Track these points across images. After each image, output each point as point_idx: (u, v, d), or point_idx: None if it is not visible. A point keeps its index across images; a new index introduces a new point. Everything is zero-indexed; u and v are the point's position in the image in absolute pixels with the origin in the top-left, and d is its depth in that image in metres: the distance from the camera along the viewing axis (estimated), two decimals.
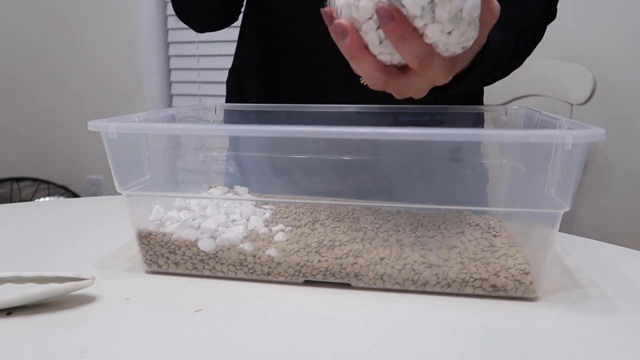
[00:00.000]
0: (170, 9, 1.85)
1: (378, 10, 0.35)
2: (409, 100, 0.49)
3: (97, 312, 0.37)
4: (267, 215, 0.50)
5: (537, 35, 0.60)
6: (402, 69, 0.39)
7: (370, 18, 0.36)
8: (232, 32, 0.72)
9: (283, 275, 0.42)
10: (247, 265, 0.42)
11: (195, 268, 0.43)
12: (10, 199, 2.01)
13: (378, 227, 0.46)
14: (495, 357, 0.32)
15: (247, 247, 0.42)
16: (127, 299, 0.39)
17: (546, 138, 0.36)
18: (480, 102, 0.76)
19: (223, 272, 0.43)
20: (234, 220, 0.47)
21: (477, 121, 0.57)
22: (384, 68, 0.39)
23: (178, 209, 0.49)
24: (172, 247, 0.43)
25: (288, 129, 0.37)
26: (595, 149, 1.36)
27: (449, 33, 0.36)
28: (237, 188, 0.56)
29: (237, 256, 0.42)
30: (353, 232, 0.45)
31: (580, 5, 1.32)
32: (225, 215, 0.48)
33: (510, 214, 0.49)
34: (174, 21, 1.86)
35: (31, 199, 2.02)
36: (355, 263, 0.41)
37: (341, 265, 0.41)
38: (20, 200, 2.01)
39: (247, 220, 0.47)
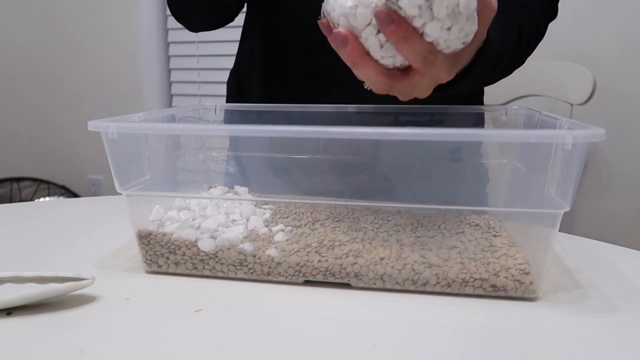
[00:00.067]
0: None
1: (377, 15, 0.35)
2: (409, 100, 0.49)
3: (97, 312, 0.37)
4: (267, 215, 0.50)
5: (538, 34, 0.60)
6: (405, 70, 0.40)
7: (369, 24, 0.36)
8: (232, 32, 0.72)
9: (283, 275, 0.42)
10: (247, 265, 0.42)
11: (195, 268, 0.43)
12: (10, 199, 2.01)
13: (378, 227, 0.46)
14: (495, 357, 0.32)
15: (247, 247, 0.42)
16: (127, 299, 0.39)
17: (546, 138, 0.36)
18: (481, 102, 0.76)
19: (223, 272, 0.43)
20: (234, 220, 0.47)
21: (477, 121, 0.57)
22: (387, 72, 0.39)
23: (178, 209, 0.49)
24: (172, 247, 0.43)
25: (288, 129, 0.37)
26: (595, 149, 1.36)
27: (449, 29, 0.36)
28: (237, 188, 0.56)
29: (237, 256, 0.42)
30: (353, 232, 0.45)
31: (580, 5, 1.32)
32: (225, 215, 0.48)
33: (510, 214, 0.49)
34: (174, 21, 1.85)
35: (31, 199, 2.02)
36: (355, 263, 0.41)
37: (341, 265, 0.41)
38: (20, 200, 2.01)
39: (247, 220, 0.47)
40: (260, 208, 0.52)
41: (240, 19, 0.74)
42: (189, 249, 0.43)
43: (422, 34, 0.36)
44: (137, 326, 0.35)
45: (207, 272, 0.43)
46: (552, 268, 0.45)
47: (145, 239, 0.44)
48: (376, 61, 0.38)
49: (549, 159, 0.38)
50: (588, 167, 1.38)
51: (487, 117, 0.57)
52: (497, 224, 0.48)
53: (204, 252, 0.43)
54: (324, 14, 0.39)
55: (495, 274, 0.39)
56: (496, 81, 0.59)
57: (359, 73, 0.40)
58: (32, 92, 2.11)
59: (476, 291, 0.39)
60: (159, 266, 0.44)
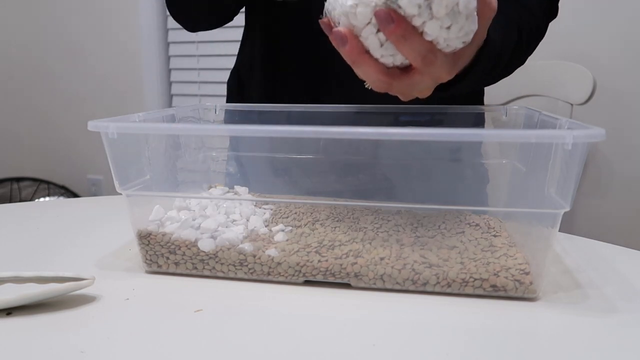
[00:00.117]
0: None
1: (377, 14, 0.35)
2: (410, 100, 0.49)
3: (97, 312, 0.37)
4: (267, 215, 0.50)
5: (538, 33, 0.60)
6: (405, 69, 0.40)
7: (368, 23, 0.36)
8: (232, 32, 0.72)
9: (283, 275, 0.42)
10: (247, 265, 0.42)
11: (195, 268, 0.43)
12: (10, 199, 2.01)
13: (378, 227, 0.46)
14: (495, 357, 0.32)
15: (247, 247, 0.42)
16: (127, 299, 0.39)
17: (546, 138, 0.36)
18: (481, 102, 0.76)
19: (223, 272, 0.43)
20: (234, 220, 0.47)
21: (477, 121, 0.57)
22: (387, 70, 0.39)
23: (178, 209, 0.49)
24: (172, 247, 0.43)
25: (288, 129, 0.37)
26: (595, 149, 1.36)
27: (448, 28, 0.36)
28: (237, 188, 0.56)
29: (237, 256, 0.42)
30: (353, 232, 0.45)
31: (580, 5, 1.32)
32: (225, 215, 0.48)
33: (510, 214, 0.49)
34: (174, 21, 1.85)
35: (31, 199, 2.02)
36: (355, 263, 0.41)
37: (341, 265, 0.41)
38: (20, 200, 2.01)
39: (247, 220, 0.47)
40: (260, 208, 0.52)
41: (240, 19, 0.74)
42: (189, 249, 0.43)
43: (421, 33, 0.36)
44: (137, 326, 0.35)
45: (207, 272, 0.43)
46: (552, 268, 0.45)
47: (145, 239, 0.44)
48: (376, 60, 0.38)
49: (549, 159, 0.38)
50: (588, 167, 1.38)
51: (487, 117, 0.57)
52: (497, 224, 0.48)
53: (204, 252, 0.43)
54: (325, 13, 0.39)
55: (495, 274, 0.39)
56: (497, 81, 0.59)
57: (359, 71, 0.40)
58: (32, 92, 2.11)
59: (476, 291, 0.39)
60: (159, 266, 0.44)
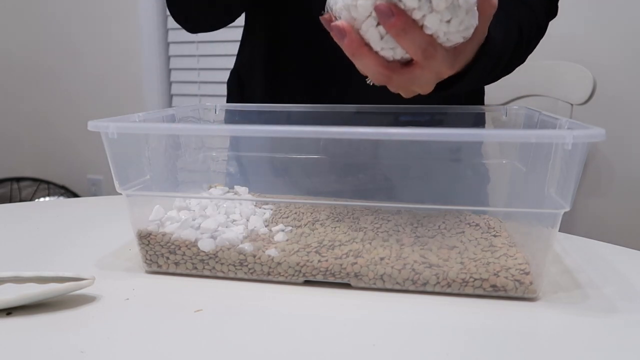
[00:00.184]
0: None
1: (377, 8, 0.35)
2: (409, 100, 0.49)
3: (97, 312, 0.37)
4: (267, 215, 0.50)
5: (539, 32, 0.60)
6: (406, 64, 0.40)
7: (369, 16, 0.36)
8: (232, 32, 0.72)
9: (283, 275, 0.42)
10: (247, 265, 0.42)
11: (195, 268, 0.43)
12: (10, 199, 2.01)
13: (378, 227, 0.46)
14: (495, 357, 0.32)
15: (247, 247, 0.42)
16: (127, 299, 0.39)
17: (546, 138, 0.36)
18: (481, 102, 0.76)
19: (223, 272, 0.43)
20: (234, 220, 0.47)
21: (477, 121, 0.57)
22: (386, 63, 0.39)
23: (178, 209, 0.49)
24: (172, 247, 0.43)
25: (288, 129, 0.37)
26: (595, 149, 1.36)
27: (448, 22, 0.36)
28: (237, 188, 0.56)
29: (237, 256, 0.42)
30: (353, 232, 0.45)
31: (580, 6, 1.32)
32: (225, 215, 0.48)
33: (510, 214, 0.49)
34: (174, 21, 1.85)
35: (31, 199, 2.02)
36: (355, 263, 0.41)
37: (341, 265, 0.41)
38: (20, 200, 2.01)
39: (247, 220, 0.47)
40: (260, 208, 0.52)
41: (240, 20, 0.74)
42: (189, 249, 0.43)
43: (422, 27, 0.36)
44: (137, 326, 0.35)
45: (207, 272, 0.43)
46: (552, 268, 0.45)
47: (145, 239, 0.44)
48: (376, 52, 0.38)
49: (549, 159, 0.38)
50: (588, 167, 1.38)
51: (487, 117, 0.57)
52: (497, 224, 0.48)
53: (204, 252, 0.43)
54: (327, 9, 0.40)
55: (495, 274, 0.39)
56: (497, 79, 0.59)
57: (359, 64, 0.40)
58: (32, 92, 2.11)
59: (476, 291, 0.39)
60: (159, 266, 0.44)
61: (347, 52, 0.39)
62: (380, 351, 0.32)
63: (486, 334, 0.34)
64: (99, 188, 2.07)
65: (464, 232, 0.45)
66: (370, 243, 0.43)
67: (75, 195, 2.07)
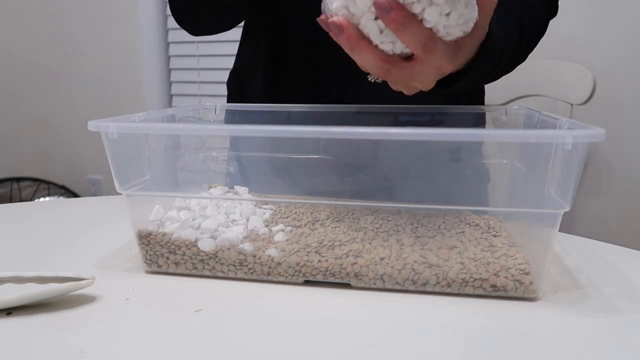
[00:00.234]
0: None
1: (376, 3, 0.35)
2: (409, 100, 0.49)
3: (97, 312, 0.37)
4: (267, 215, 0.50)
5: (539, 30, 0.60)
6: (407, 58, 0.39)
7: (367, 10, 0.36)
8: (232, 32, 0.72)
9: (283, 275, 0.42)
10: (247, 265, 0.42)
11: (195, 268, 0.43)
12: (10, 199, 2.01)
13: (378, 227, 0.46)
14: (495, 357, 0.32)
15: (247, 247, 0.42)
16: (127, 299, 0.39)
17: (546, 138, 0.36)
18: (482, 102, 0.76)
19: (223, 272, 0.43)
20: (234, 220, 0.47)
21: (477, 121, 0.57)
22: (386, 57, 0.39)
23: (178, 209, 0.49)
24: (172, 247, 0.43)
25: (288, 129, 0.37)
26: (595, 149, 1.36)
27: (448, 15, 0.36)
28: (237, 188, 0.56)
29: (237, 256, 0.42)
30: (353, 232, 0.45)
31: (580, 6, 1.32)
32: (225, 215, 0.48)
33: (510, 214, 0.49)
34: (174, 21, 1.85)
35: (31, 199, 2.02)
36: (355, 263, 0.41)
37: (341, 265, 0.41)
38: (20, 200, 2.01)
39: (247, 220, 0.47)
40: (260, 208, 0.52)
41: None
42: (189, 249, 0.43)
43: (421, 21, 0.36)
44: (137, 326, 0.35)
45: (207, 272, 0.43)
46: (552, 268, 0.45)
47: (145, 239, 0.44)
48: (375, 46, 0.38)
49: (549, 159, 0.38)
50: (588, 167, 1.38)
51: (487, 117, 0.57)
52: (497, 224, 0.48)
53: (204, 252, 0.43)
54: (323, 10, 0.39)
55: (495, 274, 0.39)
56: (498, 78, 0.59)
57: (358, 59, 0.40)
58: (33, 92, 2.11)
59: (476, 291, 0.39)
60: (159, 266, 0.44)
61: (346, 48, 0.39)
62: (380, 351, 0.32)
63: (486, 334, 0.34)
64: (99, 188, 2.07)
65: (464, 232, 0.45)
66: (370, 243, 0.43)
67: (75, 195, 2.07)
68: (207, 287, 0.42)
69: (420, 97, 0.46)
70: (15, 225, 0.58)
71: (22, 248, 0.50)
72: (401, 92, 0.45)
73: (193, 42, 1.83)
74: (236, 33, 0.78)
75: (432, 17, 0.36)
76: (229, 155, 0.60)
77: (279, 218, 0.49)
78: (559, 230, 0.41)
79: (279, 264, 0.42)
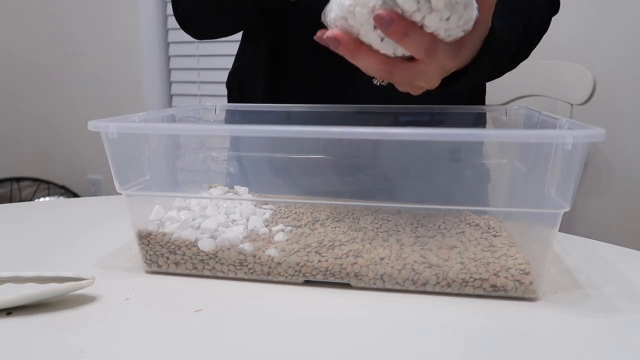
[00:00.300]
0: (170, 9, 1.85)
1: (377, 18, 0.35)
2: (409, 100, 0.49)
3: (97, 312, 0.37)
4: (267, 215, 0.50)
5: (542, 25, 0.60)
6: (409, 59, 0.39)
7: (366, 22, 0.36)
8: None
9: (283, 275, 0.42)
10: (247, 265, 0.42)
11: (195, 268, 0.43)
12: (10, 199, 2.01)
13: (378, 227, 0.46)
14: (495, 357, 0.32)
15: (247, 247, 0.42)
16: (127, 299, 0.39)
17: (546, 138, 0.36)
18: (482, 102, 0.76)
19: (223, 272, 0.43)
20: (234, 220, 0.47)
21: (477, 121, 0.57)
22: (387, 59, 0.39)
23: (178, 209, 0.49)
24: (172, 247, 0.43)
25: (288, 129, 0.37)
26: (595, 149, 1.36)
27: (447, 19, 0.36)
28: (237, 188, 0.56)
29: (237, 256, 0.42)
30: (353, 232, 0.45)
31: (580, 6, 1.32)
32: (225, 215, 0.48)
33: (510, 214, 0.49)
34: (174, 21, 1.85)
35: (31, 199, 2.02)
36: (355, 263, 0.41)
37: (341, 265, 0.41)
38: (20, 200, 2.01)
39: (247, 220, 0.47)
40: (260, 208, 0.52)
41: None
42: (189, 249, 0.43)
43: (421, 26, 0.36)
44: (137, 326, 0.35)
45: (207, 272, 0.43)
46: (552, 268, 0.45)
47: (145, 239, 0.44)
48: (376, 51, 0.38)
49: (549, 159, 0.38)
50: (588, 167, 1.38)
51: (487, 117, 0.57)
52: (497, 224, 0.48)
53: (204, 252, 0.43)
54: (324, 20, 0.40)
55: (495, 274, 0.39)
56: (503, 74, 0.59)
57: (361, 65, 0.40)
58: (33, 92, 2.11)
59: (476, 291, 0.39)
60: (159, 266, 0.44)
61: (347, 56, 0.39)
62: (380, 351, 0.32)
63: (486, 334, 0.34)
64: (99, 188, 2.07)
65: (464, 232, 0.45)
66: (370, 243, 0.43)
67: (75, 195, 2.07)
68: (207, 287, 0.42)
69: (422, 97, 0.46)
70: (15, 225, 0.58)
71: (22, 248, 0.50)
72: (401, 92, 0.45)
73: (193, 42, 1.83)
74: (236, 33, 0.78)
75: (432, 23, 0.36)
76: (229, 155, 0.60)
77: (279, 218, 0.49)
78: (559, 230, 0.41)
79: (279, 264, 0.42)
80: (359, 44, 0.38)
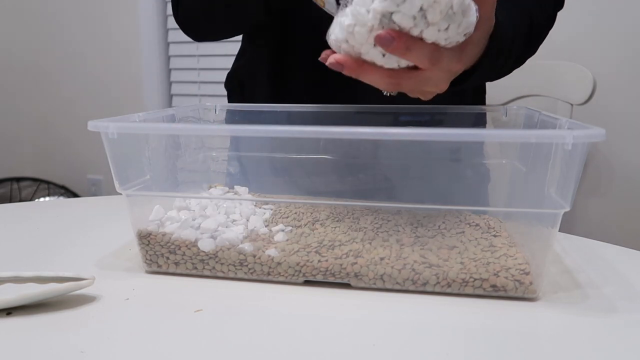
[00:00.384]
0: (170, 9, 1.85)
1: (377, 39, 0.36)
2: (409, 100, 0.49)
3: (97, 312, 0.37)
4: (267, 215, 0.50)
5: (548, 21, 0.60)
6: (414, 67, 0.40)
7: (366, 42, 0.37)
8: None
9: (283, 275, 0.42)
10: (247, 265, 0.42)
11: (195, 268, 0.43)
12: (10, 199, 2.01)
13: (378, 227, 0.46)
14: (495, 357, 0.32)
15: (247, 247, 0.42)
16: (127, 299, 0.39)
17: (546, 138, 0.36)
18: (483, 102, 0.75)
19: (223, 272, 0.43)
20: (234, 220, 0.47)
21: (477, 121, 0.57)
22: (392, 72, 0.39)
23: (178, 209, 0.49)
24: (172, 247, 0.43)
25: (288, 129, 0.37)
26: (595, 149, 1.36)
27: (446, 29, 0.36)
28: (237, 188, 0.56)
29: (237, 256, 0.42)
30: (353, 232, 0.45)
31: (580, 6, 1.32)
32: (225, 215, 0.48)
33: (510, 214, 0.49)
34: (174, 21, 1.84)
35: (31, 199, 2.02)
36: (355, 263, 0.41)
37: (341, 265, 0.41)
38: (20, 200, 2.01)
39: (247, 220, 0.47)
40: (260, 208, 0.52)
41: None
42: (189, 249, 0.43)
43: (422, 38, 0.36)
44: (137, 326, 0.35)
45: (207, 272, 0.43)
46: (552, 268, 0.45)
47: (145, 239, 0.44)
48: (380, 66, 0.39)
49: (549, 159, 0.38)
50: (588, 167, 1.38)
51: (487, 117, 0.57)
52: (497, 224, 0.48)
53: (204, 252, 0.43)
54: (328, 39, 0.40)
55: (495, 274, 0.39)
56: (511, 71, 0.59)
57: (367, 81, 0.40)
58: (33, 92, 2.11)
59: (476, 291, 0.39)
60: (159, 266, 0.44)
61: (352, 76, 0.40)
62: (380, 351, 0.32)
63: (486, 334, 0.34)
64: (99, 188, 2.07)
65: (464, 232, 0.45)
66: (370, 243, 0.43)
67: (75, 195, 2.07)
68: (207, 287, 0.42)
69: (440, 94, 0.46)
70: (15, 225, 0.58)
71: (22, 248, 0.50)
72: (401, 92, 0.45)
73: (193, 42, 1.82)
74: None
75: (431, 36, 0.36)
76: (229, 155, 0.60)
77: (279, 218, 0.49)
78: (559, 230, 0.41)
79: (279, 264, 0.42)
80: (362, 63, 0.39)
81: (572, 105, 1.05)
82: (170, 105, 1.95)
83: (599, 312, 0.37)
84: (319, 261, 0.41)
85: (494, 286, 0.39)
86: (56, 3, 1.99)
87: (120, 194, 0.43)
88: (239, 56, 0.78)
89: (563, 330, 0.35)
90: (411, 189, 0.49)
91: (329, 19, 0.41)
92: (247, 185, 0.56)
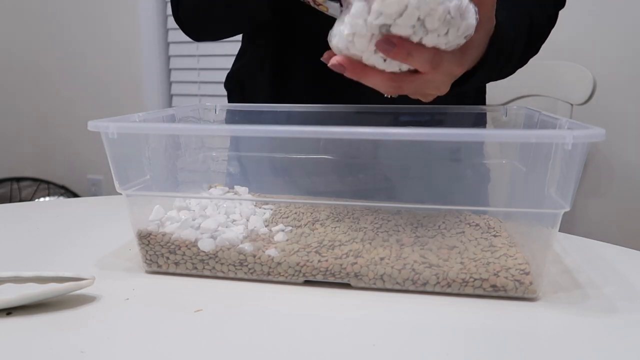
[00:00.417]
0: (170, 9, 1.85)
1: (377, 45, 0.36)
2: (409, 100, 0.49)
3: (97, 312, 0.37)
4: (267, 215, 0.50)
5: (549, 20, 0.60)
6: (416, 70, 0.40)
7: (366, 49, 0.37)
8: None
9: (283, 275, 0.42)
10: (247, 265, 0.42)
11: (195, 268, 0.43)
12: (10, 199, 2.01)
13: (378, 227, 0.46)
14: (495, 357, 0.32)
15: (247, 247, 0.42)
16: (127, 299, 0.39)
17: (546, 138, 0.36)
18: (483, 102, 0.75)
19: (223, 272, 0.43)
20: (234, 220, 0.47)
21: (478, 121, 0.57)
22: (393, 76, 0.39)
23: (178, 209, 0.49)
24: (172, 247, 0.43)
25: (288, 129, 0.37)
26: (595, 149, 1.36)
27: (446, 34, 0.36)
28: (237, 188, 0.56)
29: (237, 256, 0.42)
30: (353, 232, 0.45)
31: (580, 6, 1.32)
32: (225, 215, 0.48)
33: (510, 214, 0.49)
34: (174, 21, 1.85)
35: (31, 199, 2.02)
36: (355, 263, 0.41)
37: (341, 265, 0.41)
38: (20, 200, 2.01)
39: (247, 220, 0.47)
40: (260, 208, 0.52)
41: None
42: (189, 249, 0.43)
43: (422, 44, 0.37)
44: (137, 326, 0.35)
45: (207, 272, 0.43)
46: (552, 268, 0.45)
47: (145, 239, 0.44)
48: (381, 70, 0.39)
49: (549, 159, 0.38)
50: (588, 167, 1.38)
51: (487, 117, 0.57)
52: (497, 224, 0.48)
53: (204, 252, 0.43)
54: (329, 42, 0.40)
55: (495, 274, 0.39)
56: (514, 71, 0.58)
57: (368, 84, 0.40)
58: (33, 92, 2.11)
59: (476, 291, 0.39)
60: (159, 266, 0.44)
61: (354, 79, 0.40)
62: (380, 351, 0.32)
63: (486, 334, 0.34)
64: (99, 188, 2.07)
65: (464, 232, 0.45)
66: (370, 243, 0.43)
67: (75, 195, 2.07)
68: (207, 287, 0.42)
69: (441, 95, 0.46)
70: (15, 225, 0.58)
71: (22, 248, 0.50)
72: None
73: (193, 42, 1.83)
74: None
75: (431, 41, 0.37)
76: (229, 155, 0.60)
77: (279, 218, 0.49)
78: (559, 230, 0.41)
79: (279, 264, 0.42)
80: (364, 67, 0.39)
81: (572, 105, 1.05)
82: (170, 105, 1.95)
83: (599, 312, 0.37)
84: (319, 261, 0.41)
85: (494, 286, 0.39)
86: (56, 3, 1.99)
87: (120, 194, 0.43)
88: (239, 56, 0.78)
89: (563, 330, 0.35)
90: (411, 189, 0.49)
91: (329, 19, 0.41)
92: (247, 185, 0.56)
